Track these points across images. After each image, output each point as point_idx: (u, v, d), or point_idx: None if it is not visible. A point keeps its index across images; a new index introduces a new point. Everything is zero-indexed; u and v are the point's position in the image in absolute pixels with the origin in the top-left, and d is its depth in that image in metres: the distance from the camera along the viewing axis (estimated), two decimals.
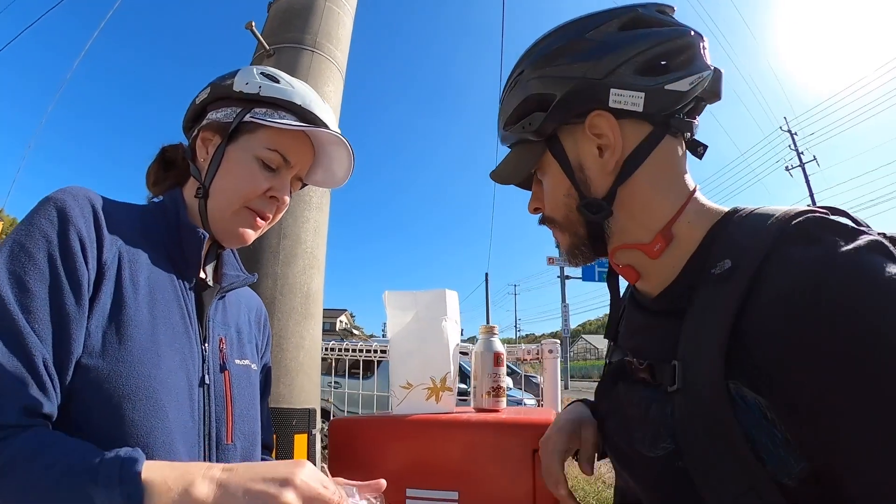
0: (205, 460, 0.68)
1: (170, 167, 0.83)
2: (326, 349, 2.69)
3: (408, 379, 1.14)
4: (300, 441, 1.68)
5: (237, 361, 0.79)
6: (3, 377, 0.50)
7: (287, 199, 0.79)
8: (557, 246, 0.74)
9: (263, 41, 1.97)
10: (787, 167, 21.00)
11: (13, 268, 0.54)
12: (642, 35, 0.60)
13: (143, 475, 0.49)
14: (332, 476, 1.22)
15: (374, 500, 0.72)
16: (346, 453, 1.22)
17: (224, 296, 0.81)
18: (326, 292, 2.25)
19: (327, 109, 0.81)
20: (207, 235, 0.74)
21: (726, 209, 0.62)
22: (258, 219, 0.77)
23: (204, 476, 0.51)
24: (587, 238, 0.66)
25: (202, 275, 0.77)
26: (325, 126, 0.78)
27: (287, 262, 1.93)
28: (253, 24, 1.86)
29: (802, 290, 0.45)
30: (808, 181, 19.72)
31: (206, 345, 0.72)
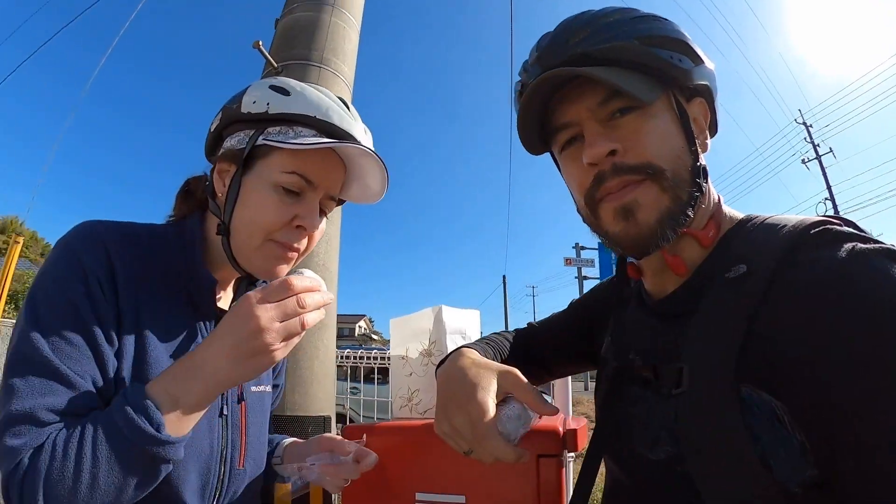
0: (217, 483, 0.71)
1: (190, 199, 0.79)
2: (343, 357, 2.74)
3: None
4: None
5: (253, 389, 0.80)
6: (40, 411, 0.52)
7: (316, 225, 0.72)
8: (628, 214, 0.57)
9: (271, 59, 2.03)
10: (803, 160, 20.60)
11: (46, 318, 0.56)
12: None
13: (148, 392, 0.55)
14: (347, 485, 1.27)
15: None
16: None
17: None
18: (343, 299, 2.28)
19: (350, 116, 0.72)
20: (217, 281, 0.72)
21: (742, 215, 0.63)
22: (288, 252, 0.71)
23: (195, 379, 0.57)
24: (689, 206, 0.58)
25: (224, 307, 0.77)
26: (349, 136, 0.70)
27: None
28: (260, 43, 1.91)
29: (823, 290, 0.45)
30: (825, 173, 19.37)
31: None
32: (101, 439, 0.52)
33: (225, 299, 0.79)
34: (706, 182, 0.60)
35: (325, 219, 0.76)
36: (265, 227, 0.68)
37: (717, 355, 0.50)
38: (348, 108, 0.72)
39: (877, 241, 0.48)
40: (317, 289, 0.63)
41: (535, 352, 0.95)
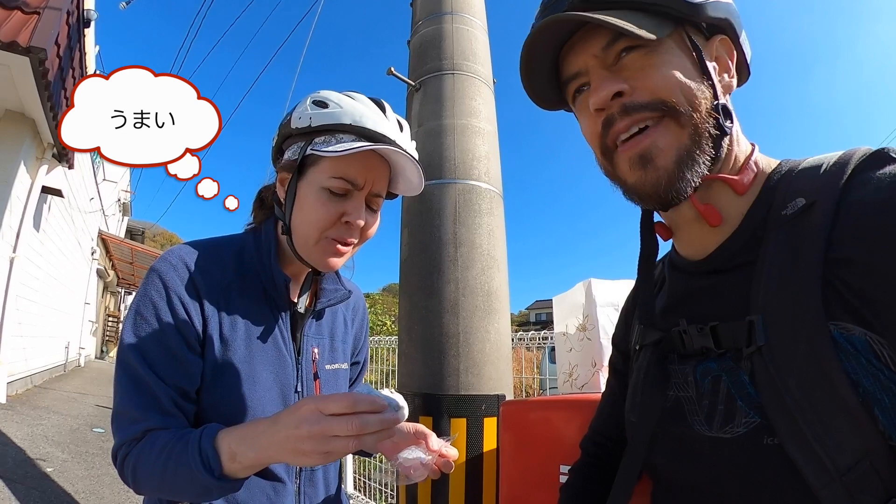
0: None
1: (264, 205, 0.91)
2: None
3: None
4: (489, 423, 1.86)
5: (328, 367, 0.90)
6: (133, 409, 0.70)
7: (362, 218, 0.79)
8: (645, 161, 0.54)
9: (407, 80, 2.25)
10: None
11: (137, 332, 0.73)
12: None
13: (217, 440, 0.66)
14: (503, 454, 1.38)
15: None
16: (514, 432, 1.35)
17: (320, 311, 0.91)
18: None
19: (382, 117, 0.79)
20: (291, 279, 0.83)
21: (777, 161, 0.59)
22: (339, 245, 0.80)
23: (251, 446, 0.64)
24: (712, 145, 0.53)
25: (296, 300, 0.87)
26: (382, 137, 0.77)
27: (466, 266, 2.15)
28: (392, 68, 2.14)
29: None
30: None
31: (301, 357, 0.86)
32: (175, 459, 0.66)
33: (297, 291, 0.89)
34: (731, 123, 0.55)
35: (377, 213, 0.84)
36: (318, 226, 0.78)
37: (798, 295, 0.45)
38: (384, 108, 0.81)
39: None
40: (381, 409, 0.62)
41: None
